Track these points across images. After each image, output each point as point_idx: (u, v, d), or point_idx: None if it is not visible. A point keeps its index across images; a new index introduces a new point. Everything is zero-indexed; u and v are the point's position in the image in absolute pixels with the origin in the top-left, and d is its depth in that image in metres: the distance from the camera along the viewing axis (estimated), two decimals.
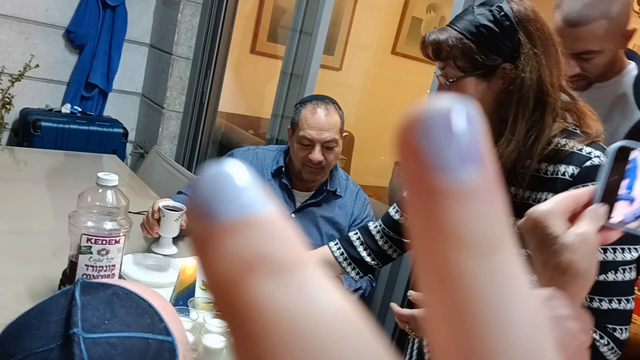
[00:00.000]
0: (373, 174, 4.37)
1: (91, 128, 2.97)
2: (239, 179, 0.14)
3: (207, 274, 0.13)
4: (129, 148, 3.29)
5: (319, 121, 1.69)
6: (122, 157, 3.00)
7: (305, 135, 1.70)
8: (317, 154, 1.70)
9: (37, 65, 2.83)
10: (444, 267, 0.14)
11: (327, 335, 0.12)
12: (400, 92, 4.74)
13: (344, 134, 1.80)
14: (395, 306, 1.16)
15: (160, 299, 0.50)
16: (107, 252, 1.20)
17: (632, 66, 1.39)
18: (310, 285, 0.13)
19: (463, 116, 0.14)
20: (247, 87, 3.99)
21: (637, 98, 1.34)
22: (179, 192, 1.84)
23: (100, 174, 1.21)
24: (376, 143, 4.49)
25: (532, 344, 0.14)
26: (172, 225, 1.56)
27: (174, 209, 1.56)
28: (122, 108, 3.29)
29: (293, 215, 1.81)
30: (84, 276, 1.20)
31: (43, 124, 2.80)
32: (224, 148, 3.38)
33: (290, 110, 2.74)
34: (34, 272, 1.38)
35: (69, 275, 1.22)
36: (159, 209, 1.56)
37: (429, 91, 2.02)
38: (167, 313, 0.48)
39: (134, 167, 3.09)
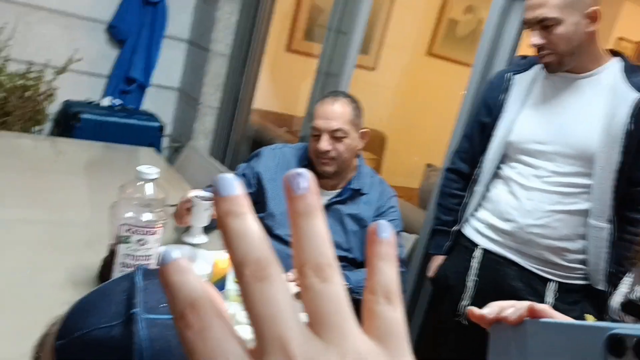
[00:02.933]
0: (404, 175, 4.35)
1: (129, 121, 3.04)
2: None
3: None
4: (165, 142, 3.36)
5: (325, 110, 1.73)
6: (158, 150, 3.07)
7: (314, 125, 1.75)
8: (323, 143, 1.71)
9: (80, 59, 2.91)
10: None
11: None
12: (435, 94, 4.71)
13: (363, 129, 1.79)
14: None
15: (211, 288, 0.54)
16: (145, 242, 1.24)
17: (616, 59, 1.47)
18: None
19: None
20: (282, 84, 4.02)
21: (631, 80, 1.40)
22: (209, 186, 1.87)
23: (140, 167, 1.25)
24: (409, 144, 4.48)
25: None
26: (202, 215, 1.58)
27: (204, 199, 1.59)
28: (159, 102, 3.36)
29: None
30: (122, 264, 1.24)
31: (83, 116, 2.88)
32: (257, 144, 3.42)
33: None
34: (72, 261, 1.43)
35: (107, 263, 1.26)
36: (190, 198, 1.58)
37: (463, 93, 2.01)
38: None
39: (170, 160, 3.15)
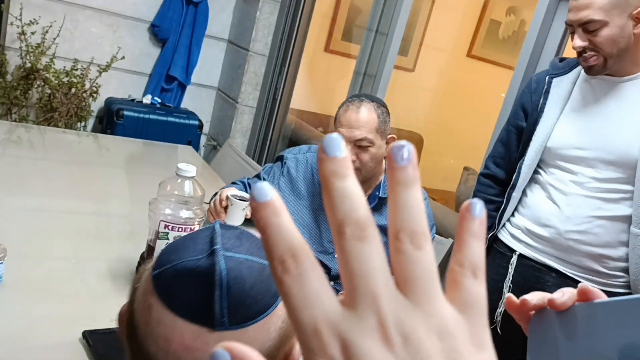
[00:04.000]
0: (440, 178, 4.31)
1: (169, 119, 3.10)
2: None
3: None
4: (203, 140, 3.41)
5: (349, 118, 1.63)
6: (196, 148, 3.12)
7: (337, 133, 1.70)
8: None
9: (124, 57, 2.98)
10: None
11: None
12: (474, 96, 4.65)
13: (390, 135, 1.70)
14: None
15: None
16: None
17: None
18: None
19: None
20: (319, 84, 4.03)
21: None
22: (234, 183, 1.86)
23: (180, 165, 1.27)
24: (446, 146, 4.43)
25: None
26: (238, 214, 1.60)
27: (241, 199, 1.61)
28: (198, 101, 3.41)
29: None
30: None
31: (125, 113, 2.95)
32: (293, 144, 3.44)
33: None
34: (112, 253, 1.47)
35: (146, 258, 1.29)
36: (227, 197, 1.60)
37: (503, 95, 1.97)
38: None
39: (207, 158, 3.20)
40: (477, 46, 4.44)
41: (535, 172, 1.58)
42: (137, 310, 0.57)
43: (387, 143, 1.70)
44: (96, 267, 1.36)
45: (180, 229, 1.26)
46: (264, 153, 3.27)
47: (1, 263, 1.14)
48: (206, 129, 3.44)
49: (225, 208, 1.60)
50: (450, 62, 4.47)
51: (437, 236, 1.95)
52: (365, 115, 1.63)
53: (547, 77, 1.57)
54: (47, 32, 2.79)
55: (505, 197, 1.66)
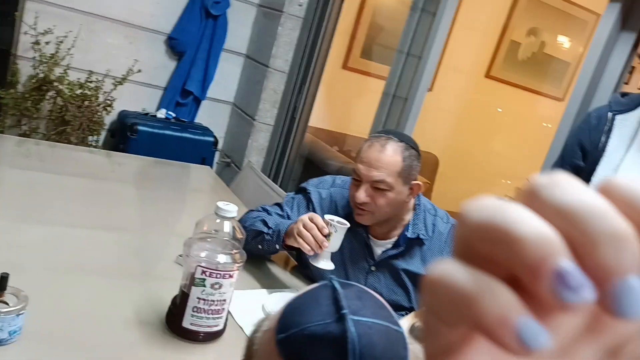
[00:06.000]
0: (455, 200, 4.19)
1: (184, 135, 2.99)
2: None
3: None
4: (217, 156, 3.30)
5: (370, 157, 1.49)
6: (210, 164, 3.01)
7: (355, 168, 1.52)
8: (360, 192, 1.49)
9: (140, 70, 2.87)
10: None
11: None
12: (492, 117, 4.56)
13: (414, 182, 1.53)
14: None
15: (382, 298, 0.63)
16: (220, 286, 1.14)
17: None
18: None
19: None
20: (336, 102, 3.94)
21: None
22: (252, 211, 1.71)
23: (219, 204, 1.16)
24: (462, 169, 4.33)
25: None
26: (339, 241, 1.46)
27: (340, 223, 1.47)
28: (212, 115, 3.30)
29: (373, 268, 1.61)
30: (194, 309, 1.15)
31: (140, 127, 2.84)
32: (310, 163, 3.33)
33: None
34: (138, 295, 1.35)
35: (179, 306, 1.17)
36: (328, 223, 1.45)
37: (546, 125, 1.87)
38: (391, 309, 0.61)
39: (220, 174, 3.09)
40: (496, 67, 4.35)
41: None
42: None
43: (412, 189, 1.54)
44: (122, 312, 1.24)
45: (218, 275, 1.14)
46: (279, 172, 3.16)
47: (22, 314, 1.02)
48: (220, 144, 3.33)
49: (326, 236, 1.45)
50: (468, 82, 4.38)
51: None
52: (387, 156, 1.48)
53: (609, 114, 1.46)
54: (62, 42, 2.68)
55: None
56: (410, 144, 1.54)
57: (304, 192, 1.71)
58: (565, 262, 0.16)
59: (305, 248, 1.43)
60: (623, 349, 0.18)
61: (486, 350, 0.18)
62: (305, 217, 1.46)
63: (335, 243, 1.45)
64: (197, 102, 3.19)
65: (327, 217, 1.47)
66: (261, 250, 1.59)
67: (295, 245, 1.50)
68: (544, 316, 0.17)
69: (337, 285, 0.58)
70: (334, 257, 1.58)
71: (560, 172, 0.18)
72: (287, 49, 3.04)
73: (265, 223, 1.58)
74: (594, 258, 0.16)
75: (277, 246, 1.54)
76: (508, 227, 0.17)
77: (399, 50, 2.45)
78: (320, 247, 1.42)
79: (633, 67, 1.71)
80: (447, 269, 0.18)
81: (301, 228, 1.44)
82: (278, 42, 3.01)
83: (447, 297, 0.17)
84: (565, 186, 0.18)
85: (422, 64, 2.27)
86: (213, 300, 1.15)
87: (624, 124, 1.44)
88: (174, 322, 1.18)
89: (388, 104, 2.51)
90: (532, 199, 0.18)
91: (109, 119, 2.95)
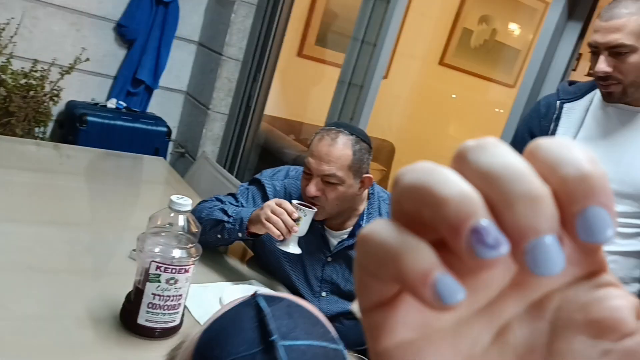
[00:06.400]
0: None
1: (136, 125, 2.91)
2: None
3: None
4: (171, 146, 3.23)
5: (320, 150, 1.48)
6: (164, 155, 2.95)
7: (306, 161, 1.51)
8: (311, 187, 1.48)
9: (88, 59, 2.78)
10: None
11: None
12: (447, 104, 4.63)
13: (365, 176, 1.53)
14: None
15: (317, 310, 0.56)
16: (176, 282, 1.12)
17: None
18: None
19: None
20: (291, 90, 3.91)
21: None
22: (204, 201, 1.68)
23: (173, 197, 1.14)
24: (417, 155, 4.39)
25: None
26: (307, 224, 1.45)
27: (309, 207, 1.46)
28: (165, 105, 3.23)
29: (329, 259, 1.61)
30: (149, 305, 1.13)
31: (89, 118, 2.75)
32: (266, 152, 3.31)
33: (345, 120, 2.66)
34: (90, 291, 1.31)
35: (134, 302, 1.14)
36: (297, 207, 1.44)
37: (498, 110, 1.90)
38: (327, 323, 0.55)
39: (174, 165, 3.03)
40: (449, 54, 4.41)
41: None
42: None
43: (362, 182, 1.53)
44: (74, 311, 1.20)
45: (173, 270, 1.12)
46: (235, 162, 3.13)
47: None
48: (173, 135, 3.26)
49: (295, 220, 1.43)
50: (422, 69, 4.42)
51: None
52: (338, 150, 1.47)
53: (558, 102, 1.50)
54: (3, 29, 2.56)
55: None
56: (360, 137, 1.53)
57: (258, 184, 1.69)
58: (483, 221, 0.17)
59: (275, 233, 1.41)
60: (546, 303, 0.19)
61: (415, 305, 0.18)
62: (271, 203, 1.45)
63: (303, 227, 1.45)
64: (149, 91, 3.11)
65: (295, 202, 1.46)
66: (220, 240, 1.56)
67: (261, 232, 1.49)
68: (468, 274, 0.18)
69: (262, 304, 0.50)
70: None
71: (489, 137, 0.19)
72: (241, 36, 3.00)
73: (225, 212, 1.56)
74: (510, 218, 0.17)
75: (240, 234, 1.51)
76: (432, 189, 0.17)
77: (353, 38, 2.44)
78: (290, 232, 1.41)
79: (580, 54, 1.75)
80: (377, 226, 0.19)
81: (269, 213, 1.42)
82: (231, 30, 2.96)
83: (375, 253, 0.18)
84: (490, 149, 0.18)
85: (376, 51, 2.27)
86: (169, 296, 1.12)
87: (571, 112, 1.48)
88: (129, 319, 1.15)
89: (344, 92, 2.51)
90: (460, 161, 0.19)
91: (56, 109, 2.84)
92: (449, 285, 0.17)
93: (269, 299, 0.52)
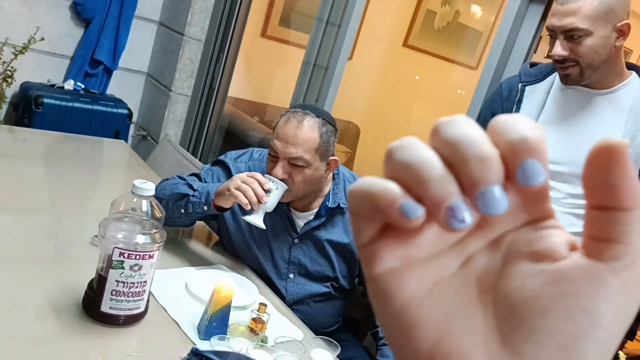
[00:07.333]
0: (376, 166, 4.28)
1: (95, 107, 2.83)
2: None
3: None
4: (132, 129, 3.16)
5: (287, 132, 1.46)
6: (125, 138, 2.88)
7: (272, 144, 1.49)
8: (277, 169, 1.46)
9: (43, 39, 2.67)
10: None
11: None
12: (410, 85, 4.65)
13: (332, 158, 1.53)
14: None
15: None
16: (140, 268, 1.10)
17: (634, 75, 1.42)
18: None
19: None
20: (256, 72, 3.86)
21: None
22: (166, 180, 1.66)
23: (136, 182, 1.11)
24: (382, 136, 4.41)
25: None
26: (276, 199, 1.44)
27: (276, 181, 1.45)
28: (125, 87, 3.14)
29: (296, 241, 1.61)
30: (113, 292, 1.10)
31: (45, 100, 2.66)
32: (230, 135, 3.26)
33: (310, 102, 2.64)
34: (49, 279, 1.27)
35: (97, 290, 1.12)
36: (270, 179, 1.42)
37: (459, 92, 1.92)
38: None
39: (136, 148, 2.96)
40: (413, 36, 4.41)
41: None
42: None
43: (329, 165, 1.53)
44: (34, 301, 1.16)
45: (137, 257, 1.09)
46: (199, 145, 3.08)
47: None
48: (134, 117, 3.18)
49: (266, 191, 1.41)
50: (386, 51, 4.42)
51: None
52: (304, 133, 1.46)
53: (520, 85, 1.52)
54: None
55: None
56: (327, 119, 1.52)
57: (223, 165, 1.66)
58: (455, 201, 0.22)
59: (243, 202, 1.38)
60: (502, 240, 0.25)
61: (397, 242, 0.24)
62: (242, 174, 1.42)
63: (273, 200, 1.42)
64: (108, 72, 3.02)
65: (267, 175, 1.44)
66: (183, 216, 1.53)
67: (228, 204, 1.46)
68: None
69: None
70: (258, 233, 1.57)
71: (459, 115, 0.24)
72: (203, 16, 2.93)
73: (190, 186, 1.53)
74: (467, 173, 0.22)
75: (205, 207, 1.48)
76: (419, 170, 0.23)
77: (318, 18, 2.42)
78: (259, 202, 1.39)
79: (541, 36, 1.78)
80: (363, 181, 0.24)
81: (239, 183, 1.39)
82: (193, 9, 2.89)
83: (361, 197, 0.24)
84: (456, 123, 0.24)
85: (341, 32, 2.26)
86: (133, 283, 1.10)
87: (533, 95, 1.50)
88: (92, 307, 1.12)
89: (309, 73, 2.48)
90: (434, 132, 0.24)
91: (10, 91, 2.73)
92: (411, 205, 0.23)
93: (219, 354, 0.53)
